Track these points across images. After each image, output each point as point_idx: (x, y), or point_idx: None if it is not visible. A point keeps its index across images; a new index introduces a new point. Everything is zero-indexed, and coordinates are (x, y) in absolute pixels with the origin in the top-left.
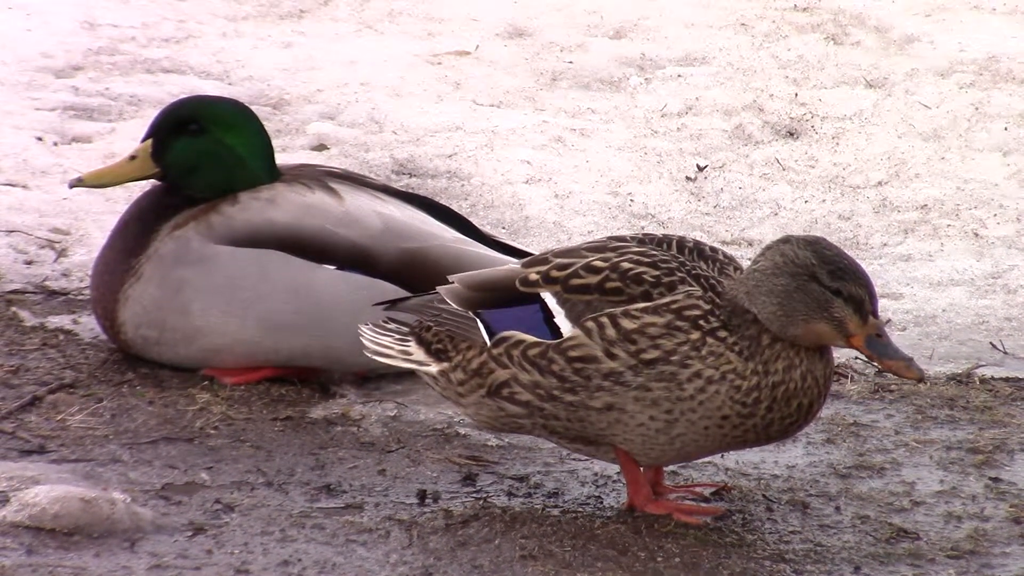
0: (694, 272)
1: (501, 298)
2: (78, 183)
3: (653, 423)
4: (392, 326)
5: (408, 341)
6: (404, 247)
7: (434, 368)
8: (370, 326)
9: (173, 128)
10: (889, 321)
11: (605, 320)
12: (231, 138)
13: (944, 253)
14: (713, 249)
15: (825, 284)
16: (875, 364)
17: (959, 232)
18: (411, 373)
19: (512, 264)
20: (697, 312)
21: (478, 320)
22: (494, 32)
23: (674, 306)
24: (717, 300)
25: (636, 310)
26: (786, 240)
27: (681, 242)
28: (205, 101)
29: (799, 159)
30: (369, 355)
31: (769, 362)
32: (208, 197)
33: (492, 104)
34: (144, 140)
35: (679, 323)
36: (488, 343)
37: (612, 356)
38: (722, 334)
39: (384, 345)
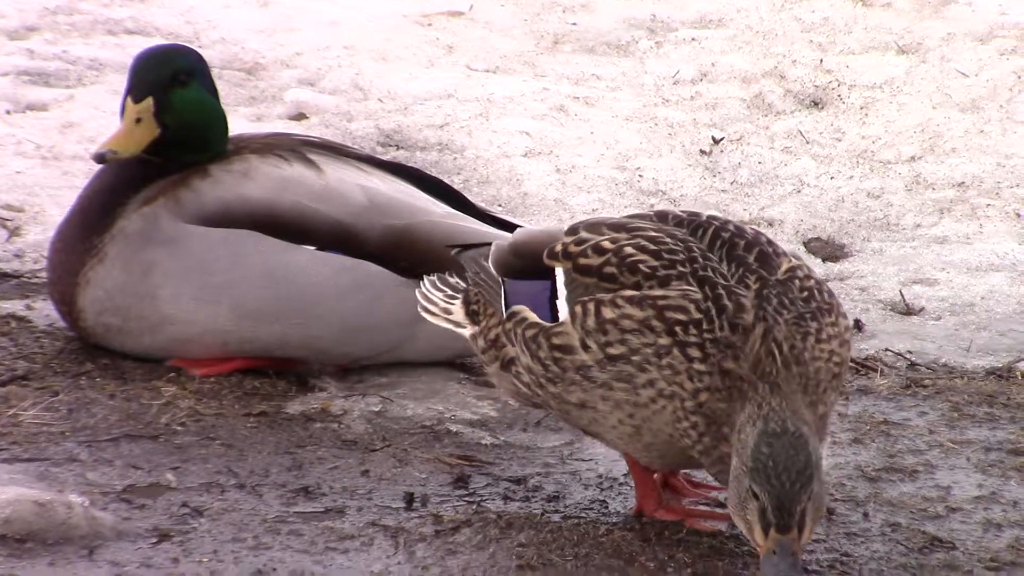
0: (700, 274)
1: (528, 267)
2: (113, 156)
3: (623, 427)
4: (453, 281)
5: (455, 300)
6: (391, 224)
7: (468, 331)
8: (430, 278)
9: (168, 83)
10: (923, 309)
11: (591, 306)
12: (206, 86)
13: (983, 235)
14: (748, 247)
15: (748, 481)
16: None
17: (999, 212)
18: (397, 365)
19: (560, 225)
20: (681, 316)
21: (503, 287)
22: None
23: (661, 302)
24: (713, 311)
25: (622, 299)
26: (765, 418)
27: (716, 232)
28: (180, 49)
29: (824, 131)
30: (419, 310)
31: None
32: (196, 160)
33: (488, 69)
34: (136, 101)
35: (655, 323)
36: (504, 315)
37: (585, 348)
38: (694, 353)
39: (432, 301)
